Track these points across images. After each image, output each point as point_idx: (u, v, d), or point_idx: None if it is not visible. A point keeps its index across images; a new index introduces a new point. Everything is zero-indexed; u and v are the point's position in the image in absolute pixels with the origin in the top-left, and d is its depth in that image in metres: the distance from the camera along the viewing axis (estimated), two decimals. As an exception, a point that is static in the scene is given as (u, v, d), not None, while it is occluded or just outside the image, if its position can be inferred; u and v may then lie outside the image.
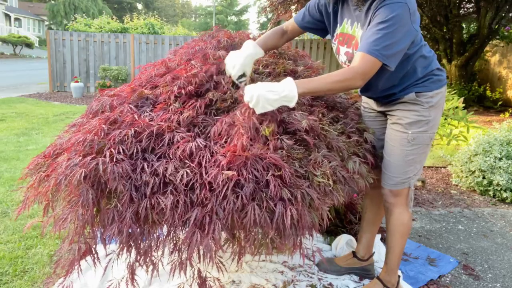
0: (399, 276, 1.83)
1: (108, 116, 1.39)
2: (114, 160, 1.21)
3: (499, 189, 3.27)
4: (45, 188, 1.29)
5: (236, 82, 1.59)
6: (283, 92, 1.34)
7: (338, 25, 1.67)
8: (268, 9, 9.78)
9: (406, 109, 1.63)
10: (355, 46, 1.58)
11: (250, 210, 1.16)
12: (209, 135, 1.37)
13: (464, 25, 9.04)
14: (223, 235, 1.23)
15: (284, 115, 1.45)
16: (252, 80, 1.70)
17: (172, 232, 1.26)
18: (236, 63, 1.57)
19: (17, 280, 1.86)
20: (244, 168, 1.20)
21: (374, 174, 1.67)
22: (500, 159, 3.33)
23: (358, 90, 1.76)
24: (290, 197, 1.21)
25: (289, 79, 1.37)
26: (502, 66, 8.59)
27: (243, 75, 1.59)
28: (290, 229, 1.19)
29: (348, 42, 1.62)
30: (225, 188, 1.17)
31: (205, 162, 1.24)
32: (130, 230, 1.20)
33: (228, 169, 1.21)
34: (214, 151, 1.29)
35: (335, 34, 1.70)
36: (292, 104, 1.37)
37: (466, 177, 3.54)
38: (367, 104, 1.84)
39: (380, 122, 1.79)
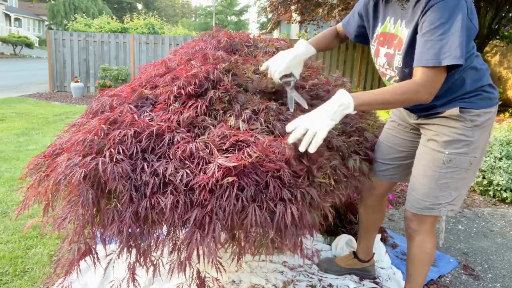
0: None
1: (108, 116, 1.39)
2: (114, 160, 1.21)
3: (499, 189, 3.27)
4: (45, 188, 1.29)
5: (280, 82, 1.53)
6: (339, 100, 1.28)
7: (380, 24, 1.52)
8: (268, 9, 9.76)
9: (445, 124, 1.44)
10: (397, 46, 1.42)
11: (250, 211, 1.16)
12: (208, 137, 1.37)
13: (464, 25, 9.01)
14: (223, 235, 1.23)
15: (281, 117, 1.45)
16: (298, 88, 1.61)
17: (172, 232, 1.26)
18: (282, 62, 1.50)
19: (17, 280, 1.86)
20: (244, 175, 1.20)
21: (367, 184, 1.62)
22: (500, 159, 3.33)
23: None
24: (290, 197, 1.21)
25: (341, 90, 1.31)
26: (502, 66, 8.59)
27: (290, 75, 1.53)
28: (291, 227, 1.19)
29: (389, 42, 1.46)
30: (226, 193, 1.17)
31: (204, 164, 1.24)
32: (130, 230, 1.20)
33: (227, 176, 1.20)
34: (213, 153, 1.29)
35: (374, 35, 1.55)
36: (350, 109, 1.28)
37: (466, 177, 3.54)
38: (399, 111, 1.69)
39: (406, 133, 1.66)
